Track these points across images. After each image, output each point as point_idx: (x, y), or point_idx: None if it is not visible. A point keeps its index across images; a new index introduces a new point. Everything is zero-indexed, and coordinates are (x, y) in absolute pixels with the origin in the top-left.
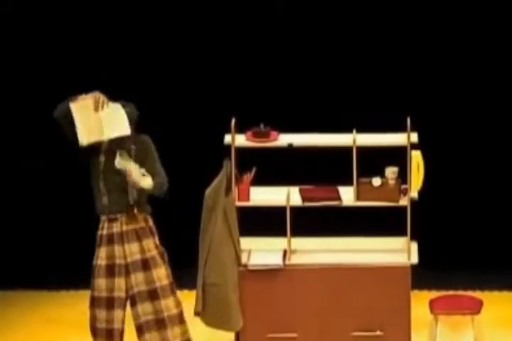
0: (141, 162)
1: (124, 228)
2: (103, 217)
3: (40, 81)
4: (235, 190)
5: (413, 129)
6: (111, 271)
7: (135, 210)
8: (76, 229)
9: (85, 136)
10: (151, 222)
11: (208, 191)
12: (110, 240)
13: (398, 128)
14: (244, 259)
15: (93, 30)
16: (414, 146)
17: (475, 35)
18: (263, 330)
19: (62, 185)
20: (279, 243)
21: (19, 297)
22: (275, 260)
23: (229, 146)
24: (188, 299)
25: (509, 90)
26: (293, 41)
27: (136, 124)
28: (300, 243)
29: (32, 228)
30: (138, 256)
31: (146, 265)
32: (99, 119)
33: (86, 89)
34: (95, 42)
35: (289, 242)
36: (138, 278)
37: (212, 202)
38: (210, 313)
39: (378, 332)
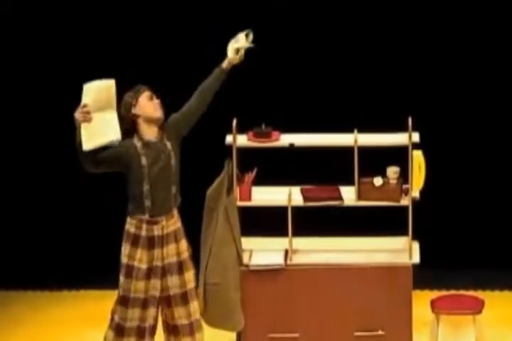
0: (186, 124)
1: (165, 231)
2: (141, 217)
3: (41, 81)
4: (236, 190)
5: (414, 129)
6: (149, 273)
7: (173, 210)
8: (77, 229)
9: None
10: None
11: (210, 191)
12: (151, 244)
13: (400, 128)
14: (245, 259)
15: (93, 29)
16: (415, 146)
17: (475, 35)
18: (264, 330)
19: (62, 184)
20: (280, 243)
21: (19, 297)
22: (277, 260)
23: (230, 146)
24: None
25: (510, 90)
26: (294, 41)
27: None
28: (301, 243)
29: (32, 228)
30: (174, 259)
31: (181, 268)
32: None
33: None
34: (95, 41)
35: (291, 242)
36: (173, 280)
37: (213, 203)
38: (212, 313)
39: (380, 332)
